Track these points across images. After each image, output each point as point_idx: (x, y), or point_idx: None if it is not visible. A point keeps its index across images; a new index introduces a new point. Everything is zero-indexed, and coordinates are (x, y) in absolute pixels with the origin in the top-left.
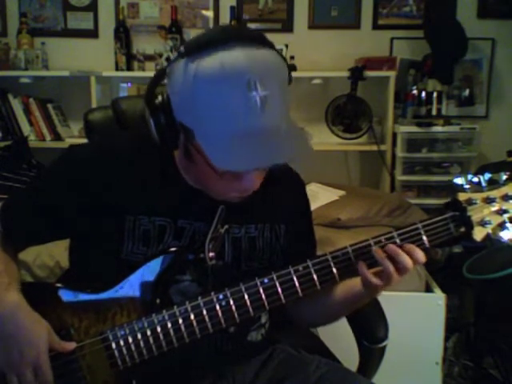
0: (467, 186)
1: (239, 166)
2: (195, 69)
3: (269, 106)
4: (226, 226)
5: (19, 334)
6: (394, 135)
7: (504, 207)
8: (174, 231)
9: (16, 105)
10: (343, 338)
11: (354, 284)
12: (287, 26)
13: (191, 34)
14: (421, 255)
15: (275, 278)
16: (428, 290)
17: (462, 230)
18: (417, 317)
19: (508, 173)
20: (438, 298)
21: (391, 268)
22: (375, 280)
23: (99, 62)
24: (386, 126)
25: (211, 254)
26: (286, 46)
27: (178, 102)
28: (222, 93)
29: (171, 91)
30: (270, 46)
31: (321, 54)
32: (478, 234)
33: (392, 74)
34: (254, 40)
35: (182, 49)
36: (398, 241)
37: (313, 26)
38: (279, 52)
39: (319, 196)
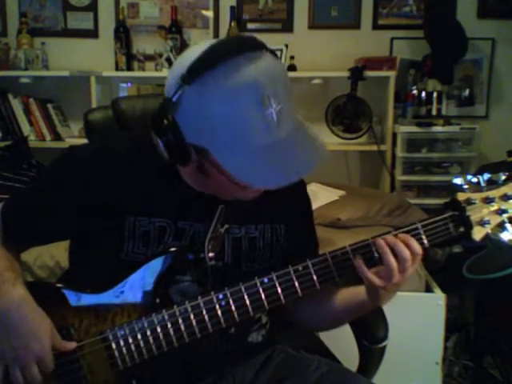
0: (466, 186)
1: (268, 183)
2: (204, 93)
3: (283, 116)
4: (226, 226)
5: (25, 326)
6: (394, 135)
7: (503, 207)
8: (174, 232)
9: (16, 105)
10: (343, 338)
11: (358, 291)
12: (287, 26)
13: (191, 33)
14: (416, 245)
15: (275, 277)
16: (428, 290)
17: (461, 229)
18: (417, 317)
19: (507, 173)
20: (438, 298)
21: (392, 259)
22: (372, 277)
23: (99, 62)
24: (386, 125)
25: (211, 255)
26: (286, 45)
27: (189, 125)
28: (237, 113)
29: (180, 117)
30: (264, 46)
31: (321, 54)
32: (477, 233)
33: (392, 74)
34: (249, 48)
35: (185, 74)
36: None
37: (313, 25)
38: (273, 51)
39: (319, 196)
